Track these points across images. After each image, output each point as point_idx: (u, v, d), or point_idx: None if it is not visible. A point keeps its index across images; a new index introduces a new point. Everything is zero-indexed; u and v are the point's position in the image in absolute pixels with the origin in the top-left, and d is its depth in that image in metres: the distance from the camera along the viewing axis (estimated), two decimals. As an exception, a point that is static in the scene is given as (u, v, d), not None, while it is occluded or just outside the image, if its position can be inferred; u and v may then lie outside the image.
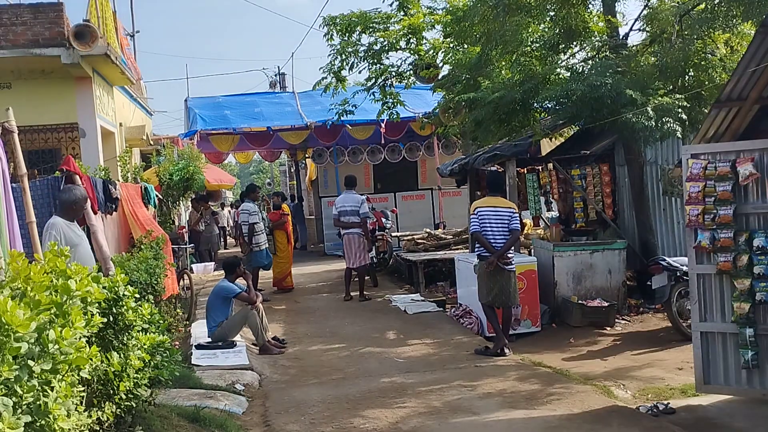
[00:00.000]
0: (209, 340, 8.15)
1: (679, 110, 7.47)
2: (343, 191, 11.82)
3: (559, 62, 8.70)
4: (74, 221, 5.97)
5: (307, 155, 21.14)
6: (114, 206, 7.98)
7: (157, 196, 11.10)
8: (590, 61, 9.00)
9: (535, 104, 8.60)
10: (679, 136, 7.92)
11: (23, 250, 4.73)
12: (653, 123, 7.33)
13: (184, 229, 14.53)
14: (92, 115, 11.48)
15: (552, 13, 9.17)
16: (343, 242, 11.59)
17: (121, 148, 13.14)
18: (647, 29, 9.20)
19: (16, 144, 4.78)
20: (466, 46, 10.75)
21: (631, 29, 9.65)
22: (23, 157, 5.04)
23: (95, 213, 6.77)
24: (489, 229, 7.63)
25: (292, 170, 27.98)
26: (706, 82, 8.00)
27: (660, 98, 7.47)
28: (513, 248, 7.94)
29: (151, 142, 15.10)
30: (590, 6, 9.30)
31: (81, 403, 3.32)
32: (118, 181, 9.79)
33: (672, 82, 8.17)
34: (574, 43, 9.21)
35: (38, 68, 11.15)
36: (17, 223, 4.67)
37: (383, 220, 14.52)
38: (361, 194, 11.82)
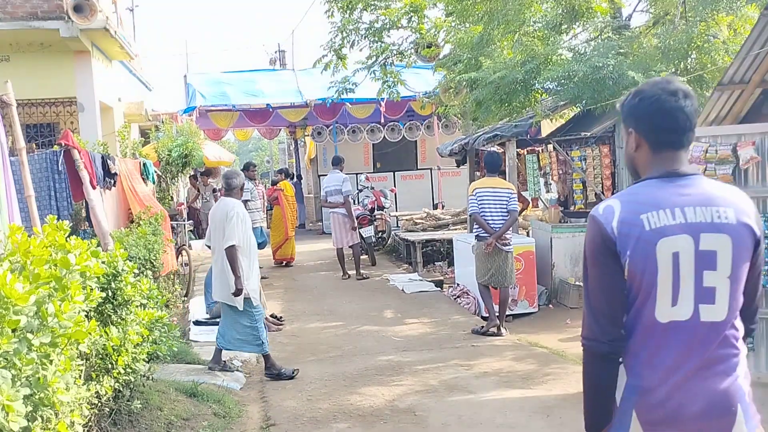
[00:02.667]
0: (207, 316, 8.18)
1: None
2: (330, 171, 11.90)
3: (561, 43, 8.63)
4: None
5: (306, 133, 21.05)
6: (113, 181, 7.97)
7: (155, 172, 11.07)
8: (592, 42, 8.95)
9: (537, 85, 8.55)
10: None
11: (22, 224, 4.73)
12: (654, 105, 7.29)
13: (182, 206, 14.52)
14: (91, 90, 11.40)
15: (555, -7, 9.08)
16: (330, 222, 11.67)
17: (120, 123, 13.09)
18: (651, 10, 9.14)
19: (14, 117, 4.76)
20: (468, 25, 10.66)
21: (634, 10, 9.61)
22: (22, 130, 5.02)
23: (93, 188, 6.76)
24: (487, 210, 7.63)
25: (291, 148, 27.91)
26: (709, 65, 7.95)
27: (662, 80, 7.43)
28: (511, 229, 7.94)
29: (150, 118, 15.01)
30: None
31: (80, 376, 3.34)
32: (117, 156, 9.75)
33: (674, 65, 8.12)
34: (577, 23, 9.14)
35: (37, 41, 11.06)
36: (16, 196, 4.66)
37: (382, 199, 14.49)
38: (360, 173, 11.76)
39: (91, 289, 3.40)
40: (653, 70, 7.65)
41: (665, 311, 1.98)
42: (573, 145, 10.46)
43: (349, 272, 11.39)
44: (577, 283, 8.89)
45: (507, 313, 8.04)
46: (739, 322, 2.08)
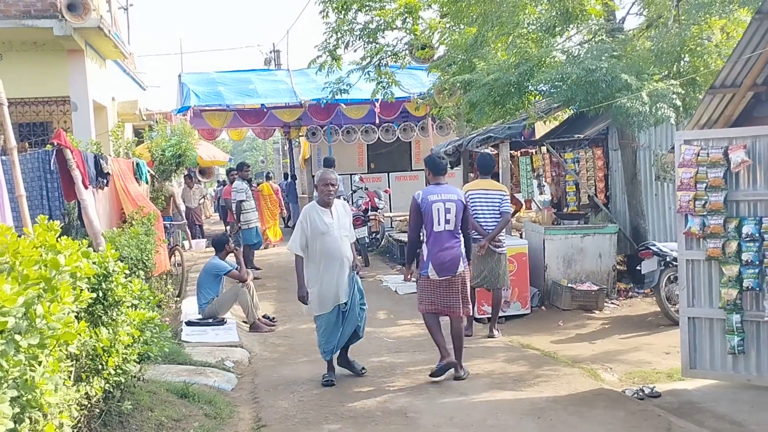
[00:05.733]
0: (200, 316, 8.17)
1: (674, 96, 7.46)
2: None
3: (555, 45, 8.65)
4: (329, 207, 6.03)
5: (300, 133, 21.04)
6: (105, 181, 7.94)
7: (149, 171, 11.05)
8: (586, 45, 8.97)
9: (530, 87, 8.57)
10: (673, 122, 7.92)
11: (13, 223, 4.72)
12: (647, 108, 7.32)
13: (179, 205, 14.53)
14: (84, 89, 11.37)
15: (549, -5, 9.10)
16: None
17: (114, 122, 13.05)
18: (644, 13, 9.16)
19: (5, 116, 4.74)
20: (462, 26, 10.67)
21: (628, 13, 9.63)
22: (14, 129, 5.00)
23: (86, 188, 6.74)
24: (480, 212, 7.65)
25: (286, 148, 27.88)
26: (701, 68, 7.98)
27: (655, 83, 7.46)
28: (504, 231, 7.95)
29: (144, 118, 14.98)
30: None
31: (69, 377, 3.34)
32: (110, 156, 9.73)
33: (667, 68, 8.15)
34: (571, 25, 9.16)
35: (30, 40, 11.02)
36: (7, 196, 4.64)
37: (376, 200, 14.51)
38: (354, 174, 11.75)
39: (81, 290, 3.39)
40: (646, 73, 7.68)
41: (436, 227, 5.96)
42: (566, 147, 10.49)
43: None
44: (569, 285, 8.91)
45: (500, 314, 8.06)
46: (458, 231, 6.02)
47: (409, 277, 6.50)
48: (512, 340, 7.57)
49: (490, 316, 8.00)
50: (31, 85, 11.11)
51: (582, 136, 10.42)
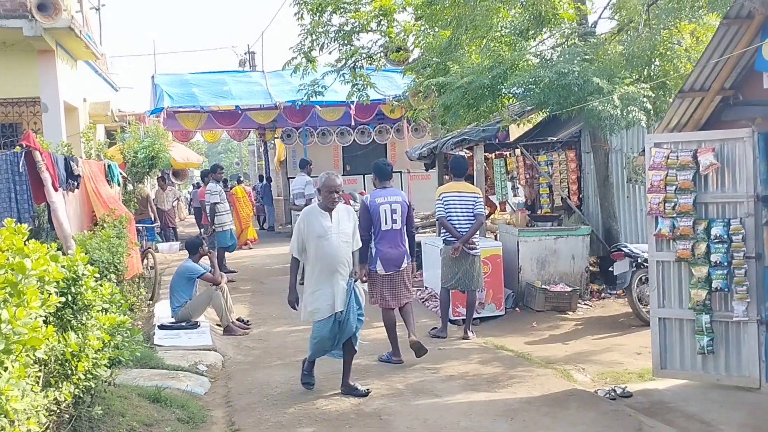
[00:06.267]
0: (173, 320, 8.09)
1: (644, 99, 7.56)
2: (297, 174, 11.96)
3: (528, 48, 8.71)
4: (330, 211, 5.67)
5: (276, 135, 20.97)
6: (76, 183, 7.83)
7: (120, 173, 10.93)
8: (559, 48, 9.05)
9: (504, 90, 8.62)
10: (644, 125, 8.03)
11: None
12: (619, 111, 7.40)
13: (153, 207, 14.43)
14: (55, 90, 11.21)
15: (522, -1, 9.17)
16: None
17: (85, 124, 12.89)
18: (616, 18, 9.27)
19: (-28, 118, 4.65)
20: (436, 29, 10.71)
21: (600, 17, 9.73)
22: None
23: (56, 190, 6.64)
24: (454, 214, 7.68)
25: (261, 150, 27.76)
26: (671, 72, 8.10)
27: (626, 87, 7.55)
28: (478, 233, 8.00)
29: (117, 119, 14.82)
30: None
31: (37, 383, 3.28)
32: (81, 158, 9.60)
33: (638, 71, 8.25)
34: (544, 29, 9.24)
35: (-1, 40, 10.85)
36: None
37: (351, 202, 14.48)
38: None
39: (50, 294, 3.35)
40: (617, 77, 7.77)
41: (384, 226, 6.67)
42: (540, 150, 10.58)
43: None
44: (543, 286, 8.98)
45: (474, 316, 8.09)
46: (404, 229, 6.76)
47: (362, 275, 6.47)
48: (486, 341, 7.60)
49: (464, 317, 8.03)
50: (1, 85, 10.94)
51: (555, 138, 10.52)
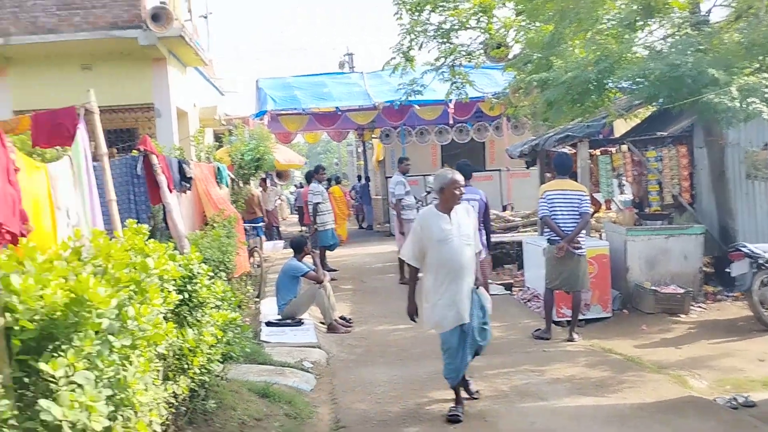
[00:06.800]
0: (278, 317, 8.32)
1: (766, 90, 7.09)
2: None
3: (636, 40, 8.36)
4: (448, 212, 5.21)
5: (374, 135, 21.17)
6: (188, 185, 8.18)
7: (229, 175, 11.34)
8: (670, 39, 8.64)
9: (610, 84, 8.32)
10: (766, 117, 7.53)
11: (104, 227, 4.91)
12: (737, 103, 6.98)
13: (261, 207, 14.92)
14: (167, 96, 11.78)
15: (630, -12, 8.82)
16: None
17: (195, 127, 13.46)
18: (732, 4, 8.75)
19: (97, 125, 4.94)
20: (538, 24, 10.48)
21: (714, 5, 9.21)
22: (104, 136, 5.21)
23: (170, 192, 6.95)
24: (558, 212, 7.49)
25: (360, 150, 28.11)
26: (796, 60, 7.57)
27: (745, 77, 7.11)
28: (584, 232, 7.76)
29: (223, 122, 15.40)
30: (671, -20, 8.90)
31: (158, 377, 3.44)
32: (192, 160, 10.03)
33: (759, 61, 7.75)
34: (653, 19, 8.84)
35: (117, 50, 11.49)
36: (98, 201, 4.84)
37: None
38: (428, 175, 11.73)
39: (169, 292, 3.50)
40: (735, 67, 7.33)
41: None
42: (648, 145, 10.13)
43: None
44: (653, 287, 8.60)
45: (579, 317, 7.87)
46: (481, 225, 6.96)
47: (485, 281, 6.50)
48: (593, 344, 7.37)
49: (569, 319, 7.82)
50: (118, 93, 11.57)
51: (665, 133, 10.05)
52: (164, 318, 3.53)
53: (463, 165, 7.71)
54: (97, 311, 2.37)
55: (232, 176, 12.20)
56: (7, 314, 2.25)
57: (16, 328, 2.25)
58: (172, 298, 3.22)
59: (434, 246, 5.16)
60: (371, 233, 20.34)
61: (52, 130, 4.69)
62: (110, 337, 2.49)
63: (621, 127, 12.58)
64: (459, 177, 5.26)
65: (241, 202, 12.38)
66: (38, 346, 2.32)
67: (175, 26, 10.95)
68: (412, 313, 5.41)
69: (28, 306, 2.25)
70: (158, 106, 11.71)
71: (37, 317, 2.29)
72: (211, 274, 4.53)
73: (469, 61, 13.12)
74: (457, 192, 5.20)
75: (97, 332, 2.45)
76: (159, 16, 10.80)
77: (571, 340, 7.48)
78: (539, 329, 7.72)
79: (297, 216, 23.73)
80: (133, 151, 7.11)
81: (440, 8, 12.42)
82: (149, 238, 3.61)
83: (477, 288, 5.30)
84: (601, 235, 10.22)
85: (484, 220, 7.15)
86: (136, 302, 2.74)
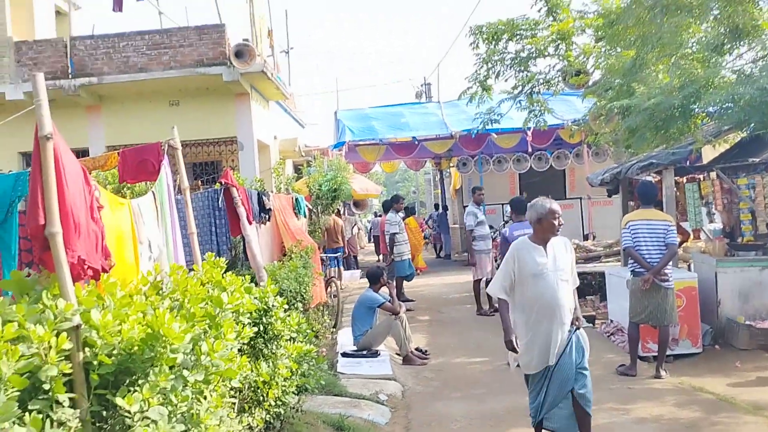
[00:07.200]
0: (354, 348, 8.32)
1: None
2: None
3: (723, 64, 8.03)
4: (544, 244, 4.84)
5: (451, 164, 21.13)
6: (267, 216, 8.37)
7: (306, 206, 11.53)
8: (760, 62, 8.25)
9: (696, 109, 8.00)
10: None
11: (185, 258, 5.06)
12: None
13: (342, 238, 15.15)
14: (249, 129, 12.16)
15: (716, 12, 8.50)
16: None
17: (276, 159, 13.80)
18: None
19: (179, 160, 5.12)
20: (619, 50, 10.23)
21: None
22: (188, 169, 5.40)
23: (250, 223, 7.12)
24: (643, 243, 7.22)
25: (437, 179, 28.10)
26: None
27: (843, 100, 6.70)
28: (671, 263, 7.43)
29: (303, 154, 15.74)
30: (760, 2, 8.53)
31: (233, 409, 3.48)
32: (272, 192, 10.26)
33: None
34: (742, 42, 8.48)
35: (203, 86, 11.99)
36: (180, 234, 4.99)
37: (525, 230, 14.18)
38: (505, 203, 11.67)
39: (244, 326, 3.55)
40: (833, 90, 6.91)
41: None
42: (739, 172, 9.65)
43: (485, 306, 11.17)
44: (747, 322, 8.13)
45: (667, 353, 7.51)
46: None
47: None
48: (682, 381, 7.00)
49: (656, 354, 7.47)
50: (204, 127, 12.04)
51: (757, 160, 9.56)
52: (240, 350, 3.58)
53: (517, 202, 8.50)
54: (172, 347, 2.41)
55: (309, 206, 12.39)
56: (87, 349, 2.32)
57: (95, 362, 2.31)
58: (246, 332, 3.26)
59: (527, 280, 4.79)
60: (449, 263, 20.20)
61: (137, 166, 4.89)
62: (185, 372, 2.53)
63: (709, 153, 12.07)
64: (557, 207, 4.91)
65: (318, 232, 12.55)
66: (116, 380, 2.38)
67: (257, 62, 11.33)
68: (511, 343, 4.83)
69: (106, 341, 2.31)
70: (241, 140, 12.10)
71: (114, 352, 2.36)
72: (286, 306, 4.58)
73: (548, 89, 12.94)
74: (556, 222, 4.82)
75: (172, 367, 2.50)
76: (242, 53, 11.21)
77: (658, 377, 7.14)
78: (623, 365, 7.41)
79: (374, 245, 23.87)
80: (216, 183, 7.34)
81: (517, 37, 12.33)
82: (230, 268, 3.69)
83: (577, 329, 4.82)
84: (689, 266, 9.77)
85: None
86: (210, 337, 2.78)
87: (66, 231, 2.44)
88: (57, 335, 2.19)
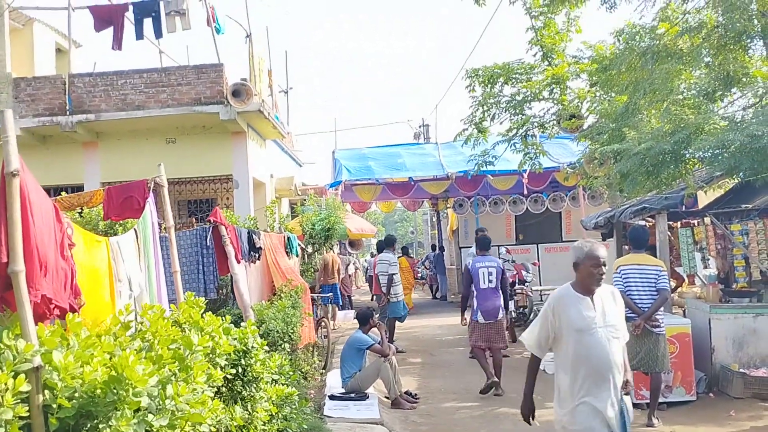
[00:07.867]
0: (343, 390, 8.19)
1: None
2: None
3: (715, 111, 8.09)
4: (591, 294, 4.16)
5: (448, 205, 21.16)
6: (257, 255, 8.32)
7: (299, 245, 11.48)
8: (751, 110, 8.31)
9: (688, 155, 8.03)
10: None
11: (168, 297, 5.00)
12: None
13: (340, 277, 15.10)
14: (245, 167, 12.18)
15: (707, 59, 8.60)
16: None
17: (271, 198, 13.80)
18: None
19: (165, 198, 5.10)
20: (612, 95, 10.33)
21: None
22: (184, 206, 5.38)
23: (238, 262, 7.07)
24: (634, 288, 7.16)
25: (434, 219, 28.11)
26: None
27: (834, 148, 6.71)
28: (662, 309, 7.36)
29: (299, 192, 15.74)
30: (751, 50, 8.64)
31: (204, 455, 3.38)
32: (266, 230, 10.23)
33: None
34: (733, 90, 8.56)
35: (199, 124, 12.05)
36: (164, 272, 4.95)
37: (523, 272, 14.10)
38: (501, 245, 11.62)
39: (222, 367, 3.48)
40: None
41: (482, 285, 8.73)
42: (733, 218, 9.64)
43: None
44: (741, 370, 8.02)
45: (660, 400, 7.38)
46: (498, 288, 8.77)
47: (464, 321, 9.04)
48: (675, 429, 6.88)
49: (648, 401, 7.35)
50: (200, 165, 12.06)
51: (750, 206, 9.56)
52: (217, 392, 3.50)
53: (482, 239, 9.34)
54: (135, 389, 2.35)
55: (302, 246, 12.34)
56: (47, 391, 2.26)
57: (54, 405, 2.25)
58: (217, 375, 3.18)
59: (572, 336, 4.10)
60: (444, 304, 20.06)
61: (123, 203, 4.87)
62: (149, 417, 2.46)
63: (704, 198, 12.09)
64: (602, 252, 4.19)
65: (311, 272, 12.47)
66: (77, 425, 2.32)
67: (254, 102, 11.40)
68: (528, 413, 4.36)
69: (66, 383, 2.25)
70: (236, 178, 12.11)
71: (76, 395, 2.30)
72: (267, 348, 4.50)
73: (543, 132, 13.02)
74: (596, 271, 4.11)
75: (137, 410, 2.43)
76: (239, 92, 11.30)
77: (650, 425, 7.01)
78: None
79: (368, 284, 23.76)
80: (206, 221, 7.31)
81: (513, 80, 12.46)
82: (220, 307, 3.64)
83: (626, 393, 4.17)
84: (683, 311, 9.69)
85: (501, 284, 8.83)
86: (180, 379, 2.72)
87: (30, 269, 2.40)
88: (15, 376, 2.14)
